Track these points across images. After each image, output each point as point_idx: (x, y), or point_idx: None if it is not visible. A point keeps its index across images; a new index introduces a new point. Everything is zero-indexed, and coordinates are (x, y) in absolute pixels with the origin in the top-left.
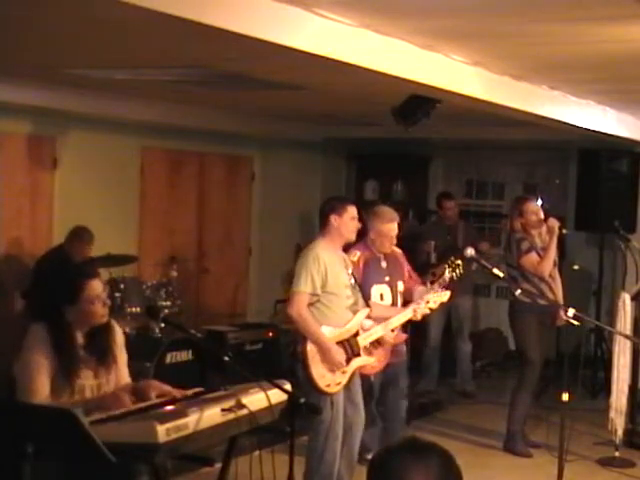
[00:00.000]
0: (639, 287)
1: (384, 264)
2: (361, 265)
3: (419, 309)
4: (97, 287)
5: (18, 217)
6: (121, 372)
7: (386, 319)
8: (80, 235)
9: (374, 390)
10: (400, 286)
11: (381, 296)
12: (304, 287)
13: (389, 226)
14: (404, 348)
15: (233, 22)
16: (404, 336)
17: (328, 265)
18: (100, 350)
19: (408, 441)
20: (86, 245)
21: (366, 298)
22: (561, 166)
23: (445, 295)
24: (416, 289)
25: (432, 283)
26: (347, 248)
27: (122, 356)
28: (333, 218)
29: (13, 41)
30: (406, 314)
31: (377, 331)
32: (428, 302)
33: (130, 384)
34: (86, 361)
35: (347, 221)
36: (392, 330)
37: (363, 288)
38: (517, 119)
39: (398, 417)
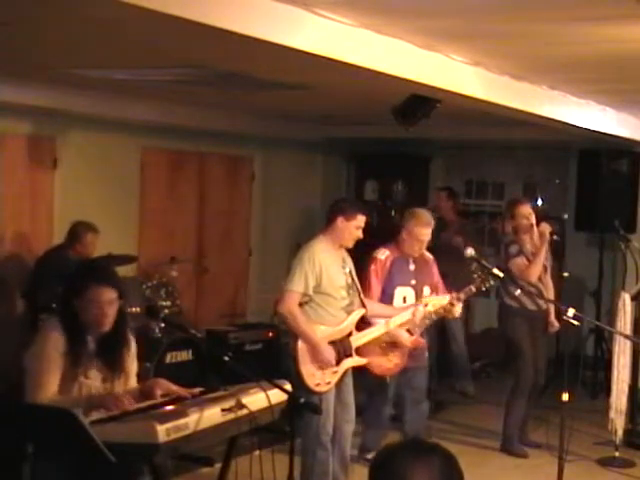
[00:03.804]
0: (639, 287)
1: (412, 267)
2: (388, 264)
3: (417, 312)
4: (99, 294)
5: (18, 217)
6: (130, 382)
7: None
8: (84, 229)
9: (388, 392)
10: (426, 291)
11: (404, 299)
12: (297, 286)
13: (422, 230)
14: (425, 354)
15: (233, 22)
16: (422, 341)
17: (324, 265)
18: (110, 358)
19: (410, 441)
20: (93, 236)
21: (388, 298)
22: (561, 166)
23: (444, 299)
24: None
25: (457, 292)
26: (377, 246)
27: (133, 367)
28: (340, 220)
29: (13, 41)
30: (404, 316)
31: (373, 332)
32: (427, 305)
33: (136, 387)
34: (95, 364)
35: (352, 228)
36: (410, 333)
37: (387, 288)
38: (517, 119)
39: (418, 418)
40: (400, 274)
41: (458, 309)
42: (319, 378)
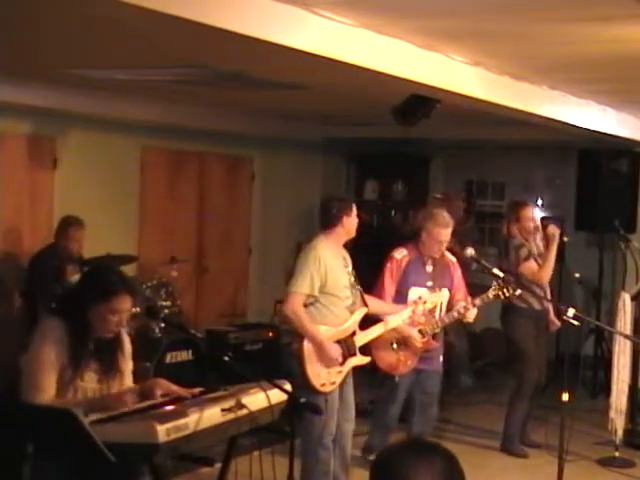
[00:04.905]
0: (639, 287)
1: (429, 268)
2: (404, 264)
3: (417, 309)
4: (124, 304)
5: (18, 217)
6: (125, 381)
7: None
8: (68, 223)
9: (397, 392)
10: (444, 293)
11: (419, 299)
12: (301, 288)
13: (440, 230)
14: (440, 358)
15: (233, 22)
16: (435, 343)
17: (329, 266)
18: (107, 358)
19: (411, 441)
20: (77, 230)
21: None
22: (561, 166)
23: (442, 295)
24: (456, 303)
25: (472, 297)
26: (397, 245)
27: (128, 365)
28: (345, 218)
29: (13, 41)
30: (404, 314)
31: (375, 330)
32: (425, 302)
33: (135, 387)
34: (92, 366)
35: (354, 219)
36: (422, 334)
37: (401, 288)
38: (517, 119)
39: (425, 422)
40: (415, 274)
41: (472, 314)
42: (324, 378)
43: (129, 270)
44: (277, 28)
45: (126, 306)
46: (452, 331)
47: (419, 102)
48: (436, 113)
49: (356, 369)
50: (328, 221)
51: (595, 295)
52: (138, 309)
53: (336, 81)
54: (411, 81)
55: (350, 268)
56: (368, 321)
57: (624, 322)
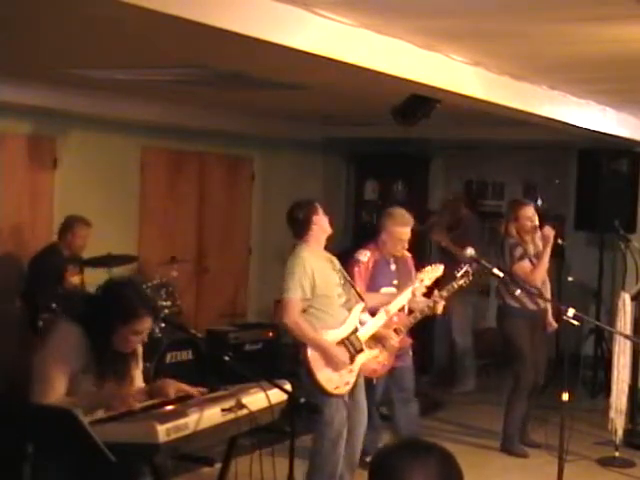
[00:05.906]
0: (639, 287)
1: (393, 267)
2: (370, 266)
3: (417, 290)
4: (146, 324)
5: (18, 217)
6: (135, 384)
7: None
8: (76, 219)
9: (376, 394)
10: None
11: (415, 278)
12: (294, 293)
13: (400, 229)
14: (409, 352)
15: (233, 22)
16: (409, 340)
17: (315, 268)
18: (121, 369)
19: (408, 441)
20: (84, 227)
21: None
22: (561, 166)
23: (438, 270)
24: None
25: (439, 290)
26: (357, 248)
27: (138, 370)
28: (315, 219)
29: (13, 41)
30: (402, 299)
31: (376, 322)
32: (423, 280)
33: (144, 388)
34: (106, 376)
35: (323, 216)
36: (397, 333)
37: (370, 290)
38: (517, 119)
39: (409, 418)
40: (382, 275)
41: (440, 306)
42: (337, 381)
43: (129, 270)
44: (277, 28)
45: (147, 325)
46: (457, 329)
47: (419, 102)
48: (436, 113)
49: None
50: (300, 229)
51: (595, 295)
52: None
53: (336, 81)
54: (411, 81)
55: (338, 267)
56: None
57: (624, 322)
